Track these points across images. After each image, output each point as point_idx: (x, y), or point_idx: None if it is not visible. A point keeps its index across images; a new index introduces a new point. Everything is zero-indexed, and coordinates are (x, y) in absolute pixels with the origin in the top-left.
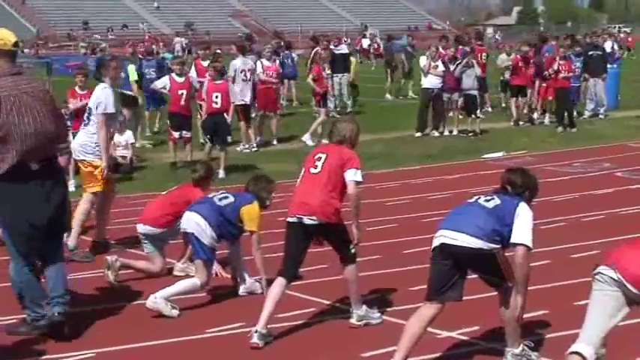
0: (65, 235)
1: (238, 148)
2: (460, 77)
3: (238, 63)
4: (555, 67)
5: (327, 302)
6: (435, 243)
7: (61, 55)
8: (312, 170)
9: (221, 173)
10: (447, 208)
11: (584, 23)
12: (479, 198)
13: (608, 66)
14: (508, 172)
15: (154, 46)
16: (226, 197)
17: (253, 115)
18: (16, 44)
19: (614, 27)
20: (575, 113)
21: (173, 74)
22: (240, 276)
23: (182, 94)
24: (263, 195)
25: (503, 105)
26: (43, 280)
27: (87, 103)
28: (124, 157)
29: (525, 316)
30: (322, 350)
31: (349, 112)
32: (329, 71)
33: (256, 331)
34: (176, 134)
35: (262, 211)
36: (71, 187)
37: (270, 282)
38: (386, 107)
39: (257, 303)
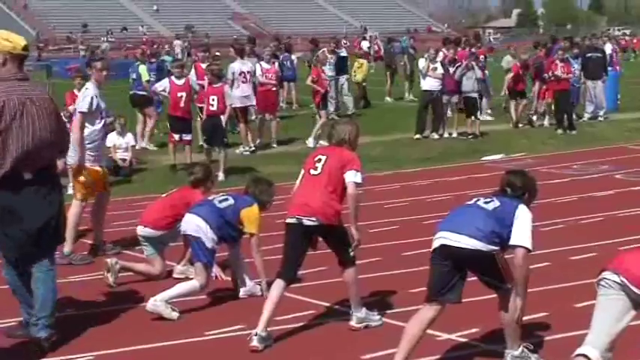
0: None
1: (238, 151)
2: (460, 80)
3: (236, 66)
4: (558, 71)
5: (327, 304)
6: (435, 244)
7: (60, 57)
8: (312, 172)
9: (221, 176)
10: (446, 210)
11: (583, 25)
12: (478, 200)
13: (609, 68)
14: (508, 174)
15: (159, 48)
16: (226, 199)
17: (253, 117)
18: (25, 48)
19: (614, 29)
20: (574, 116)
21: (173, 77)
22: (241, 278)
23: (182, 96)
24: (263, 197)
25: (504, 106)
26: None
27: None
28: (123, 160)
29: (525, 318)
30: (322, 353)
31: (350, 115)
32: (330, 73)
33: (256, 334)
34: (176, 137)
35: (262, 213)
36: (70, 190)
37: (270, 284)
38: (386, 110)
39: (257, 305)
